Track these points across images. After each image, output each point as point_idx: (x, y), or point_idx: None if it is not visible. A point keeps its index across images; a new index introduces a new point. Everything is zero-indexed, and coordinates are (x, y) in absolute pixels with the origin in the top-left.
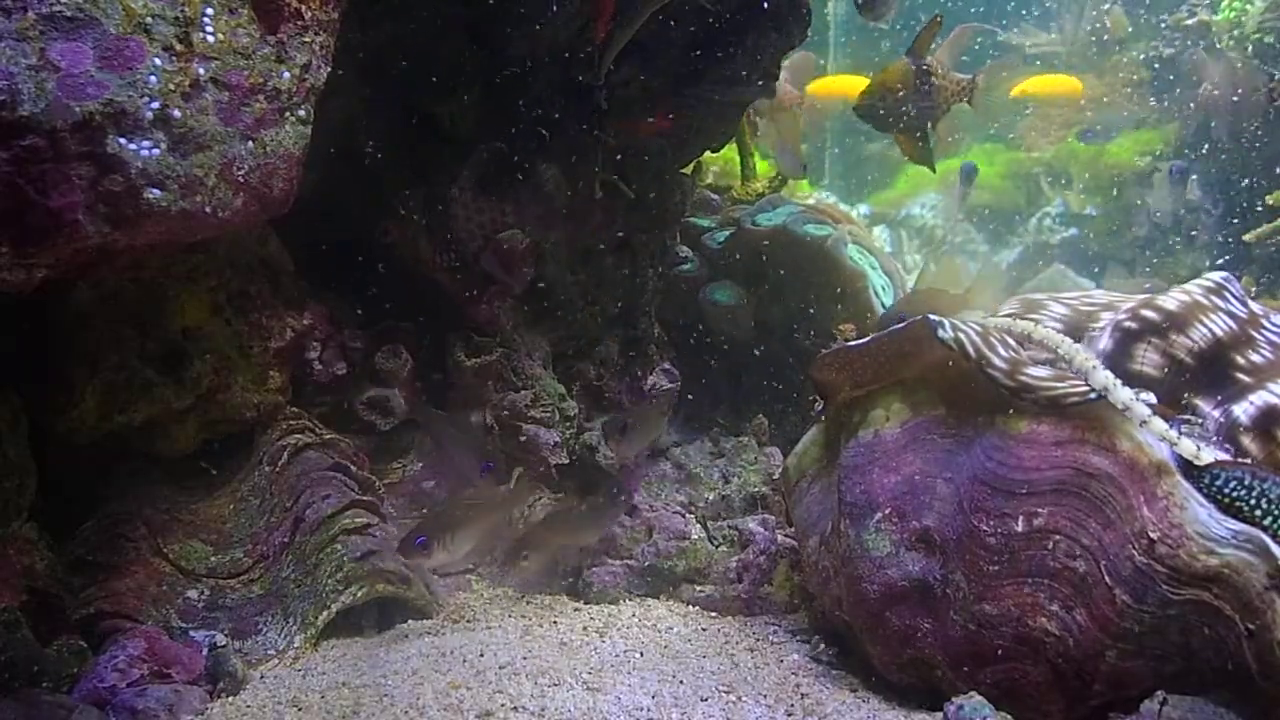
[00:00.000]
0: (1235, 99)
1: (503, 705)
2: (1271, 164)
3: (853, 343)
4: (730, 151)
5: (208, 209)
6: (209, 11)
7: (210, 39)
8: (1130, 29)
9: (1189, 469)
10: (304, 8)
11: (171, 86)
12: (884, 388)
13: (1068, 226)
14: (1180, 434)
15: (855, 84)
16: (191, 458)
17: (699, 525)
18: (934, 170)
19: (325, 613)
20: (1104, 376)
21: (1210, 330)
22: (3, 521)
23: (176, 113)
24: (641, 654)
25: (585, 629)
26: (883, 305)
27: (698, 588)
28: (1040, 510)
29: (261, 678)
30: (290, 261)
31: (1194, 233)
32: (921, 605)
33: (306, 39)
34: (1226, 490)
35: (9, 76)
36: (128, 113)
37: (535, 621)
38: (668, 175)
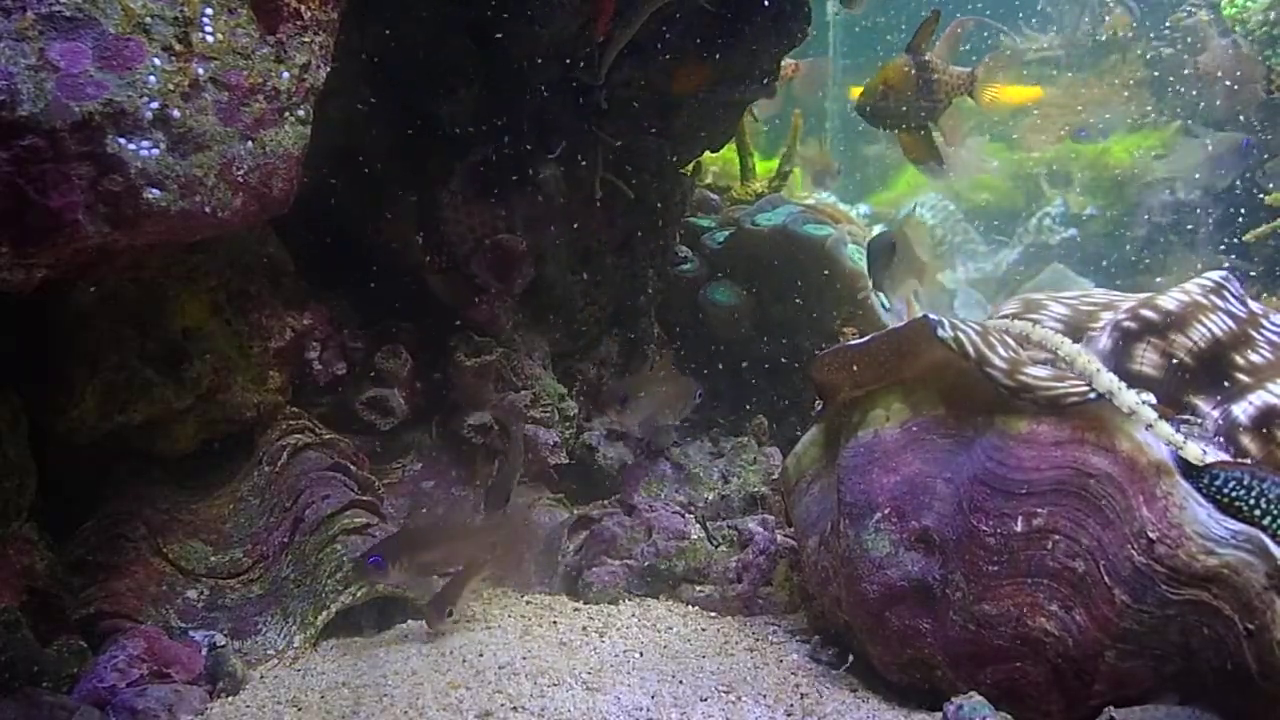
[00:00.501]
0: (1233, 83)
1: (502, 705)
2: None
3: (852, 342)
4: (730, 151)
5: (207, 209)
6: (208, 11)
7: (209, 39)
8: (1134, 25)
9: (1188, 469)
10: (303, 8)
11: (171, 86)
12: (884, 388)
13: (1068, 226)
14: (1184, 438)
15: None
16: (191, 458)
17: (698, 525)
18: (942, 164)
19: (325, 613)
20: (1108, 379)
21: (1210, 330)
22: (3, 521)
23: (176, 113)
24: (641, 654)
25: (585, 629)
26: (883, 305)
27: (697, 588)
28: (1040, 510)
29: (261, 678)
30: (290, 261)
31: (1190, 229)
32: (921, 605)
33: (306, 39)
34: (1226, 490)
35: (8, 76)
36: (127, 113)
37: (535, 621)
38: (668, 175)
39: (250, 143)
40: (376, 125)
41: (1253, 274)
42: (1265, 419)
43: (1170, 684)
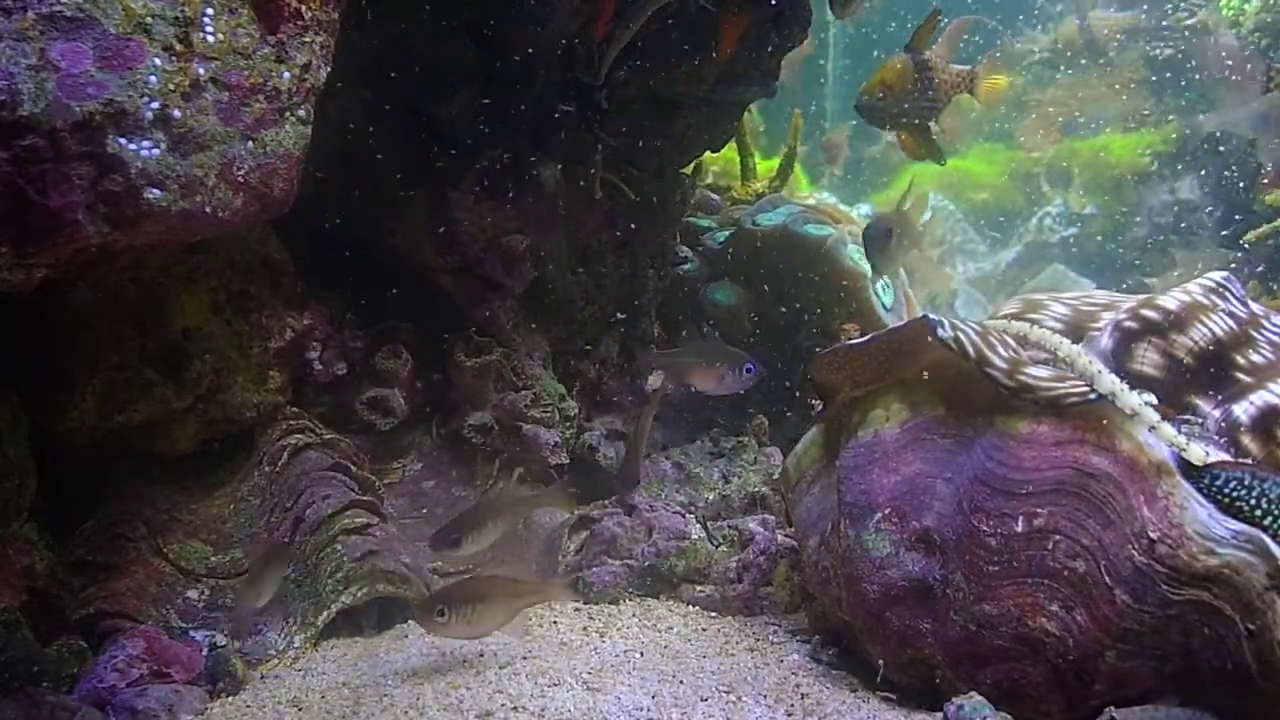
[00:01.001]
0: (1235, 76)
1: (502, 705)
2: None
3: (852, 342)
4: (730, 151)
5: (208, 209)
6: (209, 11)
7: (210, 39)
8: (1120, 36)
9: (1189, 469)
10: (304, 8)
11: (171, 86)
12: (883, 388)
13: (1068, 226)
14: (1188, 440)
15: None
16: (191, 458)
17: (699, 525)
18: (943, 163)
19: (325, 613)
20: (1110, 381)
21: (1210, 330)
22: (3, 521)
23: (176, 113)
24: (641, 654)
25: (585, 629)
26: (883, 305)
27: (698, 588)
28: (1040, 510)
29: (261, 678)
30: (290, 261)
31: (1187, 228)
32: (921, 605)
33: (306, 39)
34: (1226, 490)
35: (9, 76)
36: (128, 113)
37: (535, 621)
38: (668, 175)
39: (251, 143)
40: (377, 125)
41: (1257, 271)
42: (1266, 419)
43: (1170, 684)
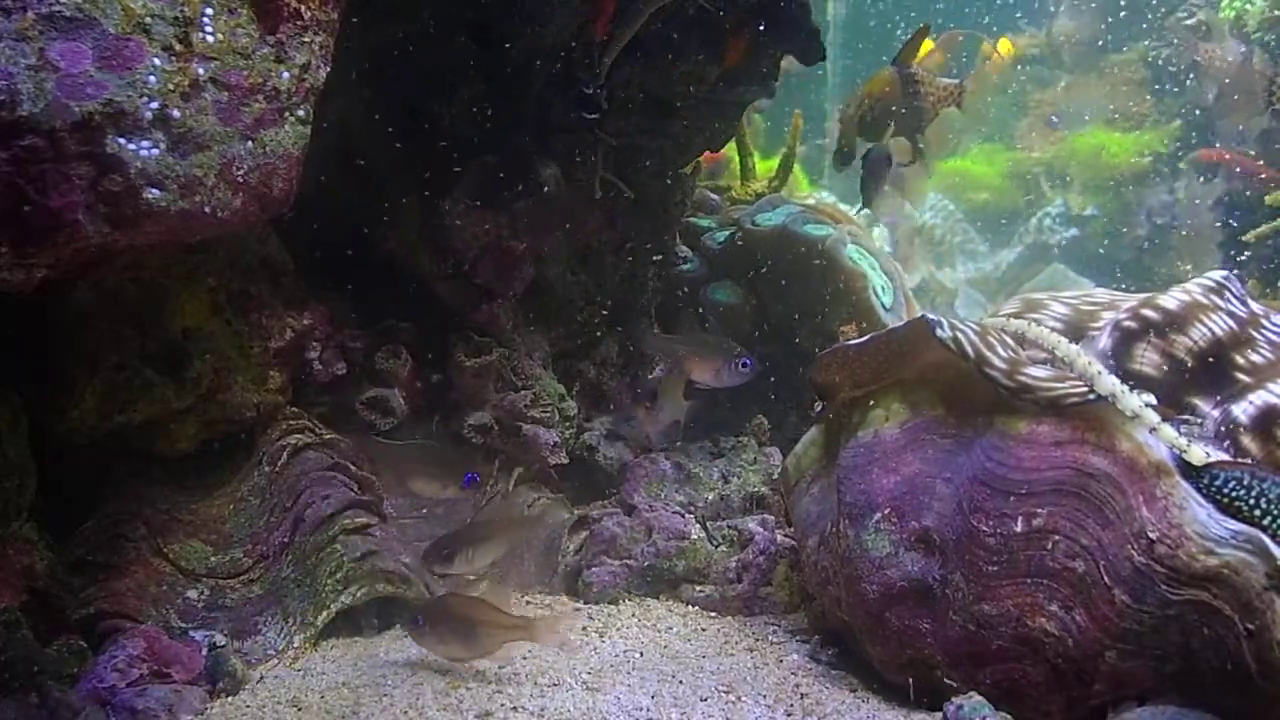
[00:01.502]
0: (1234, 92)
1: (502, 705)
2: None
3: (851, 342)
4: (730, 151)
5: (207, 209)
6: (208, 11)
7: (209, 39)
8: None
9: (1188, 469)
10: (303, 8)
11: (171, 86)
12: (883, 388)
13: (1068, 226)
14: (1188, 441)
15: None
16: (191, 458)
17: (698, 525)
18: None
19: (325, 613)
20: (1110, 382)
21: (1210, 330)
22: (3, 521)
23: (176, 113)
24: (641, 654)
25: (585, 629)
26: (883, 305)
27: (697, 588)
28: (1039, 510)
29: (261, 678)
30: (290, 261)
31: (1187, 228)
32: (921, 605)
33: (306, 39)
34: (1226, 490)
35: (8, 76)
36: (127, 113)
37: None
38: (668, 175)
39: (250, 143)
40: (377, 125)
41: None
42: (1266, 419)
43: (1170, 684)
